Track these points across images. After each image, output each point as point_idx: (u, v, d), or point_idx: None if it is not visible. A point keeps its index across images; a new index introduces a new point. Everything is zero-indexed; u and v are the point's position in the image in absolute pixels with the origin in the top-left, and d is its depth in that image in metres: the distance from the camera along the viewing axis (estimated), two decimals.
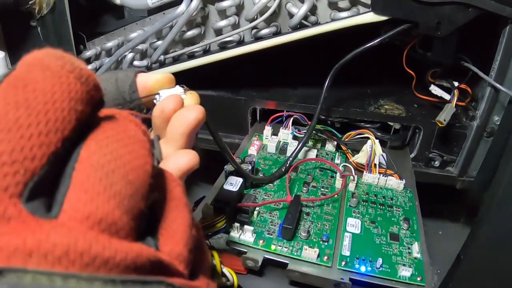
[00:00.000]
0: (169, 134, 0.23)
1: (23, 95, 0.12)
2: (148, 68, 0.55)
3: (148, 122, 0.24)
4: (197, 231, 0.15)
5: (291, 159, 0.46)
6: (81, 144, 0.13)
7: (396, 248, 0.36)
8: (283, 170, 0.44)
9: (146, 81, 0.24)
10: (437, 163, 0.51)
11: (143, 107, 0.25)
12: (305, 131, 0.50)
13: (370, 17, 0.43)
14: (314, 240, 0.36)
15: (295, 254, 0.34)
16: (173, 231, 0.14)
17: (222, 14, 0.50)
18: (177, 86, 0.25)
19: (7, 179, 0.11)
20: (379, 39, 0.44)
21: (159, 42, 0.52)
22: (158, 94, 0.24)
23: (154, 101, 0.24)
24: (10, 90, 0.12)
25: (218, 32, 0.51)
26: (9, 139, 0.11)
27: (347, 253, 0.35)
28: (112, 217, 0.12)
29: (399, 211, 0.41)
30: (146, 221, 0.13)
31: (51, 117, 0.12)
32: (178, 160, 0.21)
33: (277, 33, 0.49)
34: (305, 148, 0.49)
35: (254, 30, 0.49)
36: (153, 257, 0.12)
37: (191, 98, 0.25)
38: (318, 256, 0.34)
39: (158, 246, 0.14)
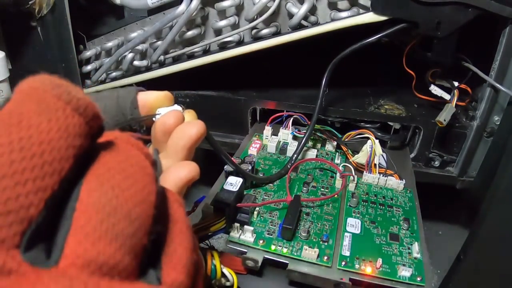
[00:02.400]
0: (170, 148, 0.23)
1: (17, 134, 0.11)
2: (148, 68, 0.55)
3: (146, 140, 0.25)
4: (196, 252, 0.15)
5: (294, 158, 0.46)
6: (81, 180, 0.12)
7: (396, 248, 0.36)
8: (288, 167, 0.44)
9: (146, 98, 0.25)
10: (437, 163, 0.51)
11: (142, 124, 0.26)
12: (305, 131, 0.50)
13: (370, 17, 0.43)
14: (314, 240, 0.36)
15: (295, 254, 0.34)
16: (178, 259, 0.14)
17: (222, 14, 0.50)
18: (176, 105, 0.26)
19: (3, 231, 0.10)
20: (377, 36, 0.44)
21: (159, 42, 0.52)
22: (159, 114, 0.25)
23: (154, 119, 0.25)
24: (3, 127, 0.11)
25: (218, 32, 0.51)
26: (3, 187, 0.10)
27: (347, 253, 0.35)
28: (114, 260, 0.11)
29: (399, 211, 0.41)
30: (149, 250, 0.13)
31: (47, 158, 0.11)
32: (179, 171, 0.21)
33: (277, 33, 0.49)
34: (305, 148, 0.49)
35: (254, 30, 0.49)
36: None
37: (189, 116, 0.26)
38: (318, 256, 0.34)
39: (161, 276, 0.13)
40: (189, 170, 0.21)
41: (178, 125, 0.24)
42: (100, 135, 0.13)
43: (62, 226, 0.12)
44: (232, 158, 0.36)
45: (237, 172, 0.38)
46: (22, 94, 0.12)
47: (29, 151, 0.11)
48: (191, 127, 0.23)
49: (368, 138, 0.47)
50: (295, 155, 0.46)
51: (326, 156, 0.50)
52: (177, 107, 0.26)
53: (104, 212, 0.12)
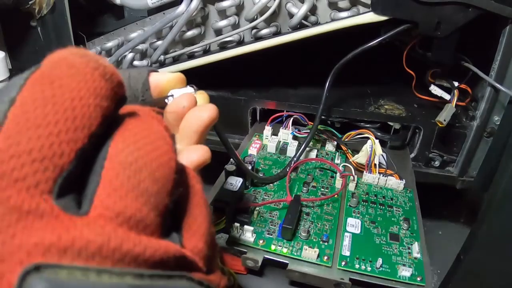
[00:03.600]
0: (183, 132, 0.23)
1: (50, 91, 0.12)
2: None
3: None
4: (213, 226, 0.16)
5: (295, 159, 0.46)
6: (109, 141, 0.13)
7: (396, 248, 0.36)
8: (287, 170, 0.44)
9: (158, 80, 0.25)
10: (437, 163, 0.51)
11: (154, 106, 0.26)
12: (306, 131, 0.50)
13: (370, 17, 0.43)
14: (314, 240, 0.36)
15: (295, 254, 0.34)
16: (197, 227, 0.15)
17: (222, 14, 0.50)
18: (188, 86, 0.26)
19: (37, 176, 0.11)
20: (379, 39, 0.44)
21: (159, 42, 0.52)
22: (172, 95, 0.24)
23: (166, 100, 0.24)
24: (37, 86, 0.12)
25: (218, 32, 0.51)
26: (38, 136, 0.11)
27: (347, 253, 0.35)
28: (141, 214, 0.12)
29: (399, 211, 0.41)
30: (170, 216, 0.14)
31: (78, 113, 0.12)
32: (190, 154, 0.22)
33: (277, 33, 0.49)
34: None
35: (254, 30, 0.49)
36: (178, 253, 0.13)
37: (201, 97, 0.26)
38: (318, 256, 0.34)
39: (183, 242, 0.14)
40: (200, 153, 0.22)
41: (191, 108, 0.23)
42: (123, 103, 0.14)
43: (92, 181, 0.12)
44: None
45: (238, 167, 0.38)
46: (52, 61, 0.13)
47: (62, 105, 0.12)
48: (203, 111, 0.23)
49: (368, 138, 0.47)
50: (295, 158, 0.46)
51: (326, 156, 0.50)
52: (189, 89, 0.25)
53: (130, 169, 0.12)
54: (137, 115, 0.15)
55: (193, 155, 0.22)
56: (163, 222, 0.13)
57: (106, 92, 0.13)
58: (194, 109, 0.24)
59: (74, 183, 0.12)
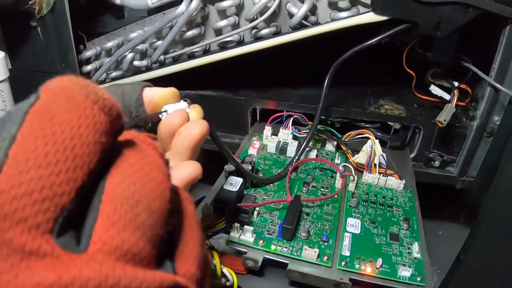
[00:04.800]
0: (175, 148, 0.24)
1: (50, 129, 0.12)
2: (148, 68, 0.55)
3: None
4: (204, 246, 0.16)
5: (296, 158, 0.46)
6: (106, 175, 0.13)
7: (396, 248, 0.36)
8: (287, 170, 0.44)
9: (151, 95, 0.25)
10: (437, 163, 0.51)
11: (148, 121, 0.26)
12: (306, 131, 0.50)
13: (370, 17, 0.43)
14: (314, 240, 0.36)
15: (295, 254, 0.34)
16: (189, 251, 0.15)
17: (222, 14, 0.50)
18: (182, 101, 0.26)
19: (38, 217, 0.11)
20: (378, 37, 0.44)
21: (159, 42, 0.52)
22: (166, 111, 0.25)
23: (160, 116, 0.25)
24: (37, 122, 0.12)
25: (218, 32, 0.51)
26: (39, 176, 0.11)
27: (347, 253, 0.35)
28: (137, 248, 0.12)
29: (399, 211, 0.41)
30: (164, 242, 0.14)
31: (78, 152, 0.12)
32: (182, 170, 0.22)
33: (277, 33, 0.49)
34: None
35: (254, 30, 0.49)
36: (172, 283, 0.13)
37: (195, 112, 0.26)
38: (318, 256, 0.34)
39: (175, 268, 0.14)
40: (191, 169, 0.22)
41: (182, 125, 0.24)
42: (120, 133, 0.14)
43: (90, 216, 0.13)
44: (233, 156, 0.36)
45: (238, 170, 0.38)
46: (52, 92, 0.13)
47: (62, 144, 0.12)
48: (194, 127, 0.24)
49: (368, 138, 0.47)
50: (296, 158, 0.46)
51: (326, 156, 0.50)
52: (183, 104, 0.26)
53: (128, 204, 0.13)
54: (133, 144, 0.15)
55: (184, 171, 0.22)
56: (157, 252, 0.13)
57: (106, 127, 0.13)
58: (186, 126, 0.24)
59: (75, 220, 0.12)
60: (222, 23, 0.49)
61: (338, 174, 0.44)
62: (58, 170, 0.12)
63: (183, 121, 0.24)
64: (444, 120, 0.45)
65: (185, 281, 0.14)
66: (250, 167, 0.42)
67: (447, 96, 0.49)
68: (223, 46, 0.52)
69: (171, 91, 0.26)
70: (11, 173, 0.11)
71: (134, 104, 0.25)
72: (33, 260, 0.11)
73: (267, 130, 0.51)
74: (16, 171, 0.11)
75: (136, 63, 0.54)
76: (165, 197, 0.14)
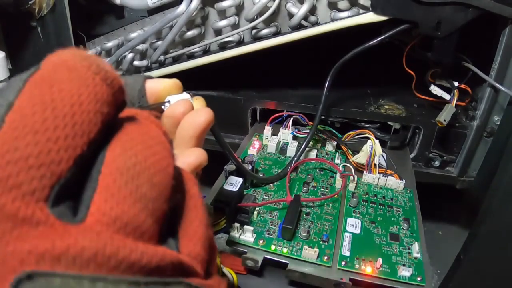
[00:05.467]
0: (179, 137, 0.23)
1: (49, 95, 0.12)
2: (148, 68, 0.55)
3: None
4: (210, 229, 0.16)
5: (295, 159, 0.46)
6: (106, 146, 0.13)
7: (396, 248, 0.36)
8: (287, 170, 0.44)
9: (155, 87, 0.25)
10: (437, 163, 0.51)
11: (151, 112, 0.26)
12: (306, 131, 0.50)
13: (370, 17, 0.43)
14: (314, 240, 0.36)
15: (295, 254, 0.34)
16: (193, 231, 0.14)
17: (222, 14, 0.50)
18: (184, 92, 0.26)
19: (33, 183, 0.11)
20: (378, 39, 0.44)
21: (159, 42, 0.52)
22: (169, 102, 0.25)
23: (163, 107, 0.24)
24: (36, 89, 0.12)
25: (218, 32, 0.51)
26: (36, 142, 0.11)
27: (347, 253, 0.35)
28: (138, 220, 0.12)
29: (399, 211, 0.41)
30: (167, 221, 0.14)
31: (78, 119, 0.12)
32: (187, 157, 0.22)
33: (277, 33, 0.49)
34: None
35: (254, 30, 0.49)
36: (175, 260, 0.12)
37: (198, 103, 0.26)
38: (318, 256, 0.34)
39: (179, 247, 0.14)
40: (196, 156, 0.22)
41: (186, 114, 0.24)
42: (123, 108, 0.14)
43: (88, 187, 0.12)
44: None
45: (238, 169, 0.38)
46: (52, 64, 0.13)
47: (61, 111, 0.11)
48: (199, 115, 0.23)
49: (368, 138, 0.47)
50: (296, 158, 0.46)
51: (326, 156, 0.50)
52: (185, 95, 0.25)
53: (128, 175, 0.12)
54: (135, 120, 0.14)
55: (190, 157, 0.22)
56: (161, 228, 0.13)
57: (107, 98, 0.13)
58: (191, 114, 0.24)
59: (72, 190, 0.12)
60: (222, 23, 0.49)
61: (338, 174, 0.44)
62: (56, 136, 0.11)
63: (187, 110, 0.24)
64: (444, 120, 0.45)
65: (189, 260, 0.13)
66: (250, 167, 0.42)
67: (447, 96, 0.49)
68: (223, 46, 0.52)
69: (174, 82, 0.25)
70: (6, 138, 0.11)
71: (136, 95, 0.24)
72: (26, 228, 0.10)
73: (267, 130, 0.51)
74: (11, 136, 0.11)
75: (136, 63, 0.54)
76: (168, 172, 0.13)
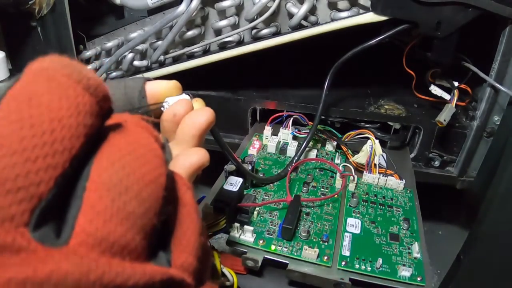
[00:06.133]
0: (180, 136, 0.23)
1: (27, 111, 0.11)
2: (148, 68, 0.55)
3: (156, 127, 0.24)
4: (204, 235, 0.15)
5: (296, 158, 0.46)
6: (92, 159, 0.12)
7: (396, 248, 0.36)
8: (287, 170, 0.44)
9: (154, 88, 0.25)
10: (437, 163, 0.51)
11: (150, 114, 0.26)
12: (306, 131, 0.50)
13: (370, 17, 0.43)
14: (314, 240, 0.36)
15: (295, 254, 0.34)
16: (186, 242, 0.14)
17: (222, 14, 0.50)
18: (184, 94, 0.26)
19: (12, 209, 0.10)
20: (378, 38, 0.44)
21: (159, 42, 0.52)
22: (167, 102, 0.25)
23: (162, 108, 0.24)
24: (14, 105, 0.11)
25: (218, 32, 0.51)
26: (13, 164, 0.10)
27: (347, 253, 0.35)
28: (125, 239, 0.11)
29: (399, 211, 0.41)
30: (158, 232, 0.13)
31: (58, 136, 0.11)
32: (189, 157, 0.21)
33: (277, 33, 0.49)
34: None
35: (254, 30, 0.49)
36: (164, 276, 0.12)
37: (197, 104, 0.26)
38: (318, 256, 0.34)
39: (171, 259, 0.13)
40: (199, 156, 0.21)
41: (187, 113, 0.23)
42: (109, 116, 0.13)
43: (73, 205, 0.11)
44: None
45: (238, 169, 0.38)
46: (32, 73, 0.12)
47: (40, 128, 0.11)
48: (200, 115, 0.23)
49: (368, 138, 0.47)
50: (296, 158, 0.46)
51: (326, 156, 0.50)
52: (185, 96, 0.25)
53: (115, 191, 0.12)
54: (123, 128, 0.14)
55: (192, 158, 0.21)
56: (150, 243, 0.12)
57: (90, 108, 0.12)
58: (191, 114, 0.23)
59: (55, 210, 0.11)
60: (222, 23, 0.49)
61: (338, 174, 0.44)
62: (34, 156, 0.10)
63: (187, 109, 0.23)
64: (444, 120, 0.45)
65: (180, 274, 0.13)
66: (250, 167, 0.42)
67: (447, 96, 0.49)
68: (223, 46, 0.52)
69: (173, 83, 0.25)
70: None
71: (136, 97, 0.24)
72: (7, 255, 0.10)
73: (267, 130, 0.51)
74: None
75: (136, 63, 0.54)
76: (158, 183, 0.13)
